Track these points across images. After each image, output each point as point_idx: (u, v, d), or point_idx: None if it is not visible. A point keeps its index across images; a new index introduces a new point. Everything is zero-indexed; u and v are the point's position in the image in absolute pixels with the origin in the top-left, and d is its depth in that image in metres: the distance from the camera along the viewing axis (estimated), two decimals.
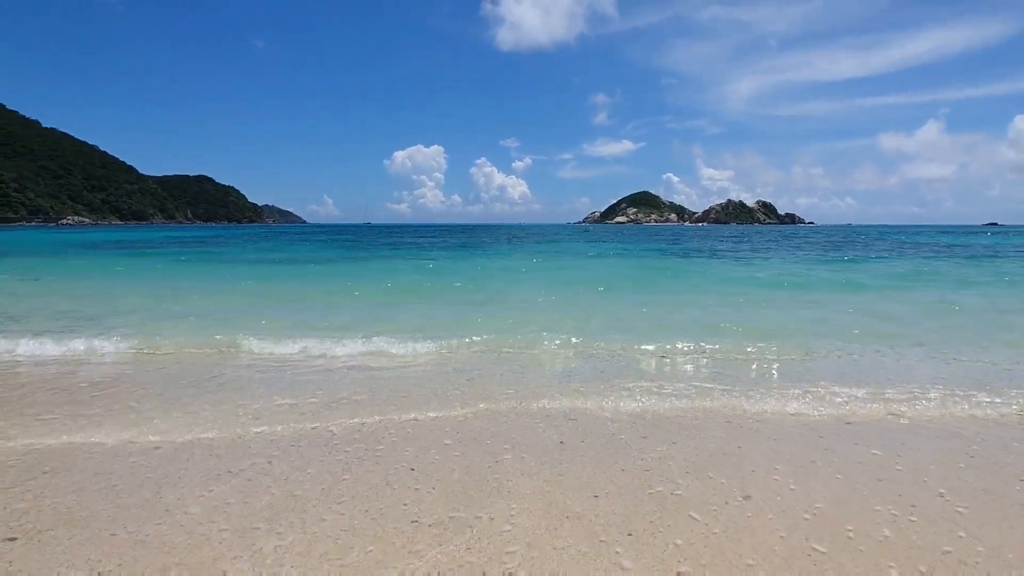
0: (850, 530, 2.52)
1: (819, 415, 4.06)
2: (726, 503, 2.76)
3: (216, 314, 8.45)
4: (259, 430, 3.73)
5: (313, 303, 10.08)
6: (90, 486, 2.93)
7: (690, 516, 2.63)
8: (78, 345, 6.15)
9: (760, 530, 2.51)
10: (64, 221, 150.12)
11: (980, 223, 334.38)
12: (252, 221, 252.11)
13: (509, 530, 2.51)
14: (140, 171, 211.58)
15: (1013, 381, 4.97)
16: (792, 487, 2.94)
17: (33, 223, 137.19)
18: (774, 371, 5.30)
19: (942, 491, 2.91)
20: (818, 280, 14.42)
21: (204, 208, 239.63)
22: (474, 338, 6.43)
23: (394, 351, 5.99)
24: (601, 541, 2.42)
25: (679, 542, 2.42)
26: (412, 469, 3.14)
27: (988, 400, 4.37)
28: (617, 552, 2.34)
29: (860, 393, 4.52)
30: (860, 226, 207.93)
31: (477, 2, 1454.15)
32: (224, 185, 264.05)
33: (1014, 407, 4.24)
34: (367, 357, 5.80)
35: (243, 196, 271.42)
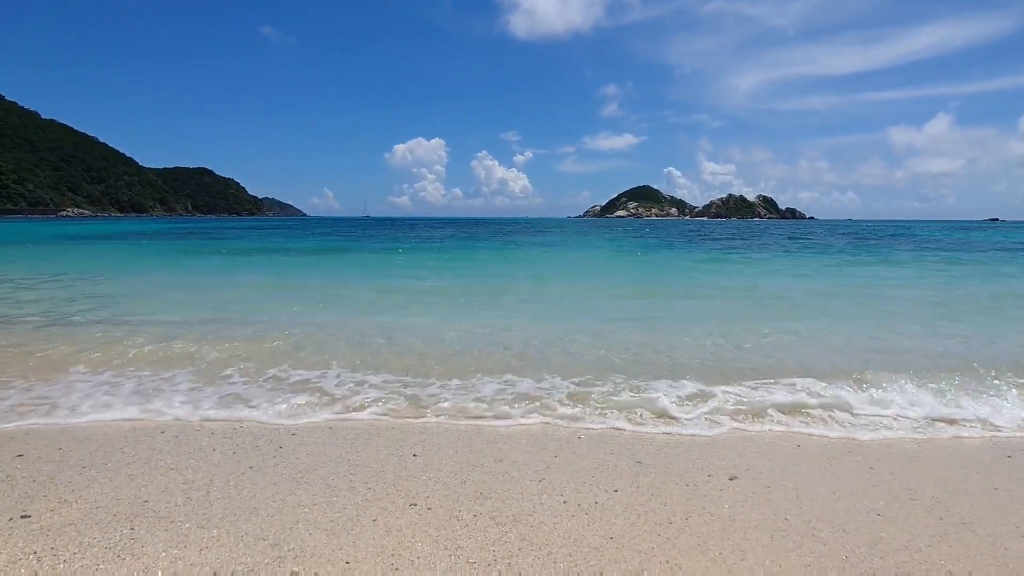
0: None
1: None
2: None
3: None
4: None
5: None
6: None
7: None
8: None
9: None
10: (64, 213, 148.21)
11: (981, 218, 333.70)
12: (252, 214, 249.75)
13: None
14: (140, 163, 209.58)
15: None
16: None
17: (33, 215, 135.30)
18: None
19: None
20: None
21: (204, 200, 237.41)
22: None
23: None
24: None
25: None
26: None
27: None
28: None
29: None
30: (864, 222, 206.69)
31: None
32: (224, 177, 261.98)
33: None
34: None
35: (243, 189, 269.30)
